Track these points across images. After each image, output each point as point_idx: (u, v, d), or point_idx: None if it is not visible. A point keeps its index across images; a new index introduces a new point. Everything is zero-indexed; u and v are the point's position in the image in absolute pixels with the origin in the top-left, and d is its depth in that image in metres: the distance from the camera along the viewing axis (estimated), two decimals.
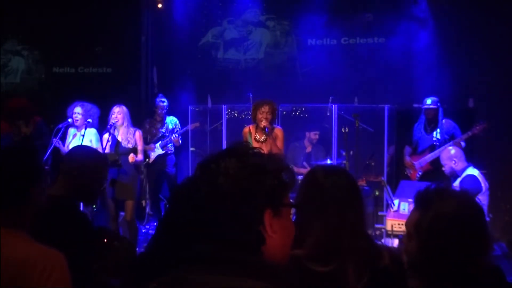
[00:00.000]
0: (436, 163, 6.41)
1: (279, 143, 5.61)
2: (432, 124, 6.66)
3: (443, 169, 5.51)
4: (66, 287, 1.69)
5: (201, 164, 1.21)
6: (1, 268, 1.62)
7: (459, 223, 1.60)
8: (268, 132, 5.54)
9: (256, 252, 1.15)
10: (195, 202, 1.17)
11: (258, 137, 5.62)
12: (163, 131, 7.37)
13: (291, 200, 1.28)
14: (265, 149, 5.44)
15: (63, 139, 6.15)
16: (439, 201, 1.64)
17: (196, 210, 1.16)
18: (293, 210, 1.99)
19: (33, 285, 1.62)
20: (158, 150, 7.31)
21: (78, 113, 6.01)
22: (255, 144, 5.51)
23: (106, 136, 6.00)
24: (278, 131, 5.69)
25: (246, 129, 5.79)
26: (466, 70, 7.44)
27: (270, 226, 1.16)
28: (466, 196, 1.72)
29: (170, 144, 7.38)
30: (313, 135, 7.62)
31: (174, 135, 7.23)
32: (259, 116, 5.52)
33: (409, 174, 6.78)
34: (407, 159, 6.85)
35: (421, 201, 1.70)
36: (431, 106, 6.58)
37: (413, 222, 1.68)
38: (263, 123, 5.51)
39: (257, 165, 1.18)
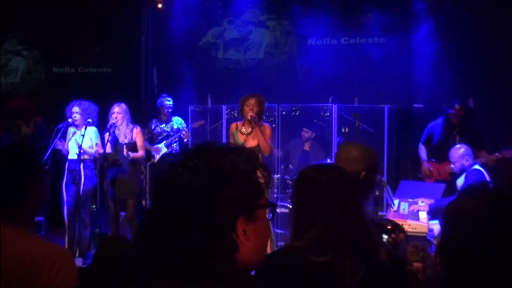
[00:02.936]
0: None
1: (267, 137, 5.53)
2: (456, 129, 6.25)
3: (452, 166, 5.45)
4: (74, 284, 1.70)
5: (170, 165, 1.14)
6: (10, 264, 1.63)
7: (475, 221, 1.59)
8: (253, 120, 5.44)
9: (228, 260, 1.10)
10: (164, 206, 1.11)
11: (244, 130, 5.56)
12: (168, 130, 7.36)
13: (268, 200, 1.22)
14: (249, 142, 5.44)
15: (63, 138, 6.14)
16: (469, 196, 1.64)
17: (166, 214, 1.11)
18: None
19: (42, 281, 1.63)
20: (163, 149, 7.30)
21: (77, 112, 6.00)
22: (240, 138, 5.48)
23: (106, 135, 6.00)
24: (266, 127, 5.60)
25: (233, 125, 5.74)
26: (466, 70, 7.44)
27: (244, 233, 1.11)
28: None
29: (175, 144, 7.37)
30: (303, 133, 7.63)
31: (184, 131, 7.24)
32: (246, 108, 5.49)
33: (424, 179, 6.43)
34: (426, 165, 6.40)
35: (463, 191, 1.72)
36: (459, 112, 6.15)
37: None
38: (250, 114, 5.46)
39: (226, 169, 1.10)
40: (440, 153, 6.31)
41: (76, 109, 6.01)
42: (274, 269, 1.75)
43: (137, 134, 6.06)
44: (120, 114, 5.98)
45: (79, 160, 5.89)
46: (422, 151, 6.56)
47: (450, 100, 6.79)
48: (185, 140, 7.42)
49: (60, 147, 6.01)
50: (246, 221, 1.11)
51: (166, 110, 7.34)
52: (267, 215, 1.19)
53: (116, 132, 6.04)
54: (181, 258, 1.09)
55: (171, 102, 7.35)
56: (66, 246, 5.86)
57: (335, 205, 1.82)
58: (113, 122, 5.98)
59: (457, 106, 6.20)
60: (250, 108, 5.46)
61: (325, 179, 1.87)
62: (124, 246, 3.09)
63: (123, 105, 6.05)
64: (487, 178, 5.25)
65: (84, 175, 5.94)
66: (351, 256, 1.76)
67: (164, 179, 1.13)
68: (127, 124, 6.05)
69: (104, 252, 3.09)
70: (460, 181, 5.37)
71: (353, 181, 1.96)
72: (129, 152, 5.90)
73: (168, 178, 1.12)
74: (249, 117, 5.46)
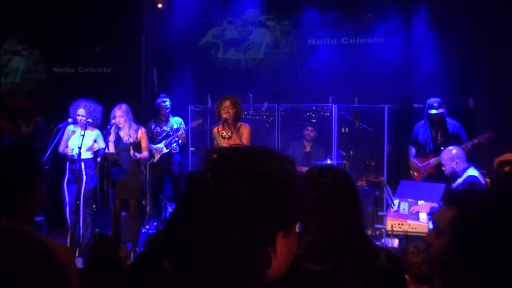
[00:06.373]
0: (439, 167, 6.31)
1: (244, 139, 5.45)
2: (436, 126, 6.52)
3: (443, 169, 5.44)
4: (74, 280, 1.71)
5: (211, 163, 1.04)
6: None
7: (500, 223, 1.57)
8: (226, 122, 5.38)
9: (258, 276, 1.01)
10: (201, 214, 1.00)
11: (225, 133, 5.51)
12: (168, 130, 7.39)
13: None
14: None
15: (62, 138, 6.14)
16: (478, 201, 1.61)
17: (203, 223, 1.00)
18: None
19: None
20: (163, 150, 7.34)
21: (82, 115, 5.95)
22: (222, 142, 5.45)
23: (106, 136, 6.01)
24: (244, 128, 5.54)
25: (214, 129, 5.70)
26: (466, 70, 7.44)
27: (280, 248, 1.03)
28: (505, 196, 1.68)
29: (174, 144, 7.39)
30: (306, 132, 7.62)
31: (181, 131, 7.26)
32: (221, 111, 5.44)
33: (413, 176, 6.69)
34: (413, 160, 6.72)
35: (457, 199, 1.68)
36: (440, 111, 6.38)
37: (446, 219, 1.66)
38: (223, 116, 5.40)
39: (278, 177, 1.02)
40: (423, 151, 6.64)
41: (81, 111, 5.95)
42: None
43: (142, 135, 6.07)
44: (122, 117, 5.98)
45: (79, 159, 5.90)
46: (411, 150, 6.82)
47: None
48: (184, 141, 7.44)
49: (70, 152, 5.98)
50: (284, 235, 1.04)
51: (163, 111, 7.38)
52: (297, 228, 1.14)
53: (120, 133, 6.04)
54: (202, 271, 0.99)
55: (168, 102, 7.38)
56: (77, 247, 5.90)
57: (330, 210, 1.82)
58: (113, 122, 5.98)
59: (436, 105, 6.41)
60: (226, 111, 5.40)
61: (324, 182, 1.87)
62: (110, 250, 3.09)
63: (124, 107, 6.03)
64: (482, 183, 5.20)
65: (86, 174, 5.95)
66: (349, 262, 1.75)
67: (205, 183, 1.01)
68: (130, 125, 6.05)
69: (94, 255, 3.11)
70: (456, 186, 5.31)
71: (354, 187, 1.95)
72: (136, 153, 5.93)
73: (210, 176, 1.01)
74: (221, 121, 5.44)
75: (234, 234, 0.98)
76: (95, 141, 6.02)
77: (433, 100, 6.45)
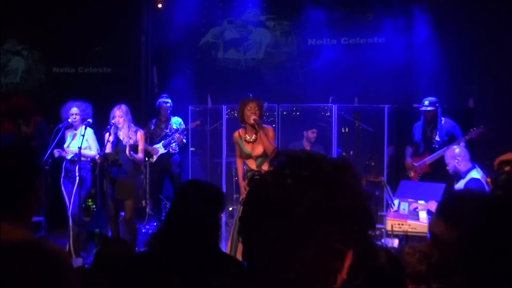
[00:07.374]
0: (435, 166, 6.39)
1: (271, 140, 5.31)
2: (431, 125, 6.64)
3: (447, 168, 5.42)
4: (72, 283, 1.71)
5: (290, 167, 0.95)
6: None
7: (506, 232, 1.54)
8: (257, 123, 5.21)
9: None
10: (263, 215, 0.92)
11: (248, 137, 5.35)
12: (167, 130, 7.40)
13: None
14: (257, 149, 5.31)
15: (62, 140, 6.16)
16: (482, 218, 1.54)
17: (263, 226, 0.91)
18: None
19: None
20: (160, 150, 7.33)
21: (76, 113, 6.06)
22: (246, 146, 5.34)
23: (107, 136, 6.01)
24: (268, 129, 5.37)
25: (235, 134, 5.50)
26: (466, 70, 7.44)
27: (347, 265, 0.96)
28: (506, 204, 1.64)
29: (174, 144, 7.39)
30: (311, 134, 7.62)
31: (177, 134, 7.26)
32: (247, 113, 5.24)
33: (410, 176, 6.77)
34: (408, 160, 6.84)
35: (461, 220, 1.63)
36: (428, 108, 6.55)
37: (451, 237, 1.60)
38: (252, 117, 5.20)
39: (357, 190, 0.97)
40: (419, 150, 6.79)
41: (75, 110, 6.07)
42: None
43: (140, 138, 6.08)
44: (121, 117, 5.99)
45: (75, 161, 5.94)
46: (407, 150, 6.96)
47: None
48: (184, 140, 7.43)
49: (57, 154, 6.04)
50: (352, 252, 0.98)
51: (164, 111, 7.40)
52: None
53: (119, 133, 6.04)
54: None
55: (169, 103, 7.40)
56: (71, 247, 5.91)
57: None
58: (113, 122, 5.99)
59: (426, 103, 6.57)
60: (252, 112, 5.21)
61: None
62: (122, 249, 3.10)
63: (123, 107, 6.04)
64: (486, 186, 5.16)
65: (79, 176, 5.95)
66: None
67: (283, 189, 0.93)
68: (129, 125, 6.05)
69: (103, 255, 3.11)
70: (458, 187, 5.30)
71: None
72: (132, 152, 5.92)
73: (293, 189, 0.92)
74: (251, 121, 5.22)
75: (309, 247, 0.90)
76: (86, 140, 6.05)
77: (426, 99, 6.61)
